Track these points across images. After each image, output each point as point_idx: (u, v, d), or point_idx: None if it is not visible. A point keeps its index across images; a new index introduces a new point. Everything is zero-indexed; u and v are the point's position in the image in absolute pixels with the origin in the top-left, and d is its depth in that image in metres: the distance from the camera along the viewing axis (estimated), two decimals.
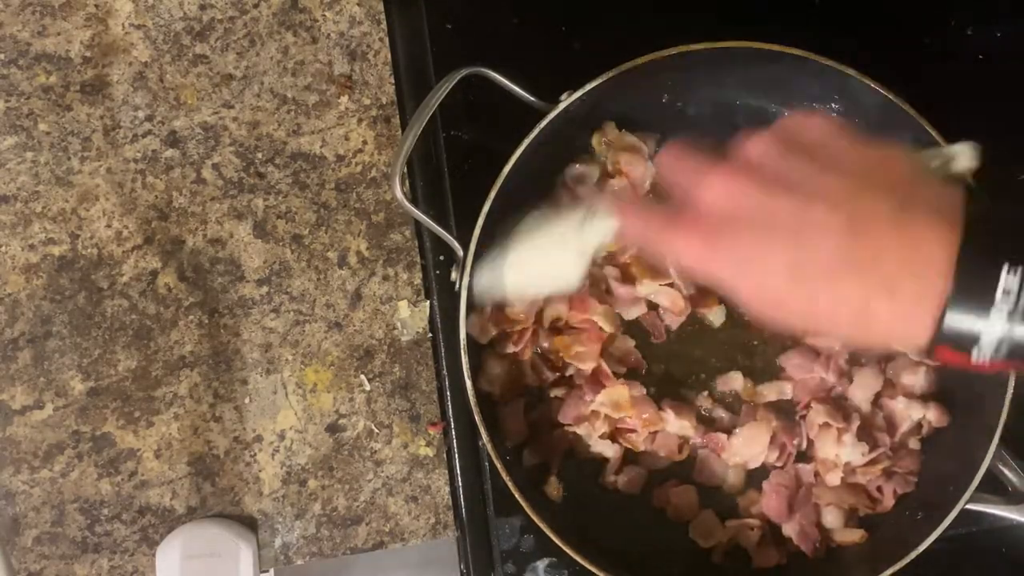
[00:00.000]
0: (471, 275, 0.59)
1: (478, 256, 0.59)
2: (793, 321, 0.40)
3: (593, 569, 0.58)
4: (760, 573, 0.64)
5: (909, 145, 0.48)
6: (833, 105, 0.67)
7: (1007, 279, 0.33)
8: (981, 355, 0.35)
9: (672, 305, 0.65)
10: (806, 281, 0.38)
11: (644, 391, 0.64)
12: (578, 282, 0.55)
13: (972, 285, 0.34)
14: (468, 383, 0.59)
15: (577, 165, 0.66)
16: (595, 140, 0.67)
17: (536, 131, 0.60)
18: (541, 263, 0.56)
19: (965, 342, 0.35)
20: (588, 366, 0.63)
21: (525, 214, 0.58)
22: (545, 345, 0.64)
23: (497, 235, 0.59)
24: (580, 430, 0.64)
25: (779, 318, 0.40)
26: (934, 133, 0.61)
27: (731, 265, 0.40)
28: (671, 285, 0.65)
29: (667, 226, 0.42)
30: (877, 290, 0.36)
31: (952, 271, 0.35)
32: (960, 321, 0.35)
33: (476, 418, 0.59)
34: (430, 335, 0.68)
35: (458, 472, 0.66)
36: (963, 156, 0.43)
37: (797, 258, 0.37)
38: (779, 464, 0.65)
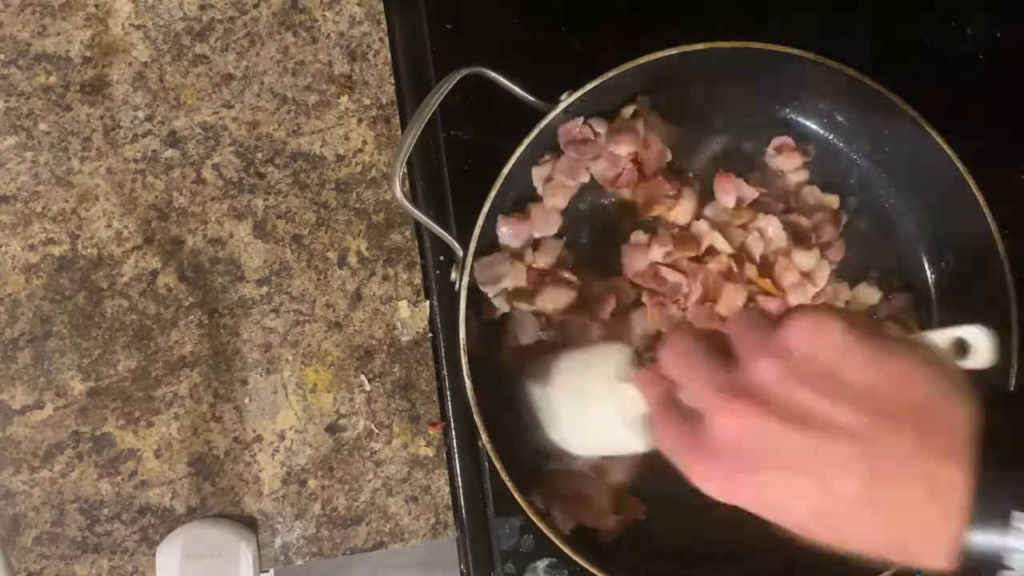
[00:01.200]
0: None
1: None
2: (826, 542, 0.40)
3: (593, 569, 0.58)
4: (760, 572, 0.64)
5: (917, 330, 0.46)
6: (831, 106, 0.67)
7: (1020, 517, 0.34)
8: None
9: None
10: (829, 522, 0.38)
11: None
12: (644, 447, 0.51)
13: (990, 518, 0.35)
14: (468, 383, 0.59)
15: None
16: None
17: (536, 131, 0.60)
18: (598, 436, 0.54)
19: (991, 568, 0.36)
20: None
21: (552, 373, 0.57)
22: None
23: (537, 391, 0.58)
24: None
25: (814, 538, 0.40)
26: (934, 133, 0.61)
27: (753, 499, 0.39)
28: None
29: (690, 452, 0.41)
30: (900, 525, 0.37)
31: (968, 503, 0.35)
32: (983, 552, 0.35)
33: (476, 418, 0.59)
34: (430, 335, 0.68)
35: (458, 472, 0.66)
36: (978, 348, 0.40)
37: (820, 502, 0.37)
38: None
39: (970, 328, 0.40)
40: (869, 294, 0.67)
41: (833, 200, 0.68)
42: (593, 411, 0.53)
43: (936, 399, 0.37)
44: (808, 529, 0.39)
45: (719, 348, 0.42)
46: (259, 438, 0.66)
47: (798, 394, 0.38)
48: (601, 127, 0.65)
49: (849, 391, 0.38)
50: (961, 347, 0.41)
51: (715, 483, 0.40)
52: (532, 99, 0.61)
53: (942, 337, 0.41)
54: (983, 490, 0.35)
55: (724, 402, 0.39)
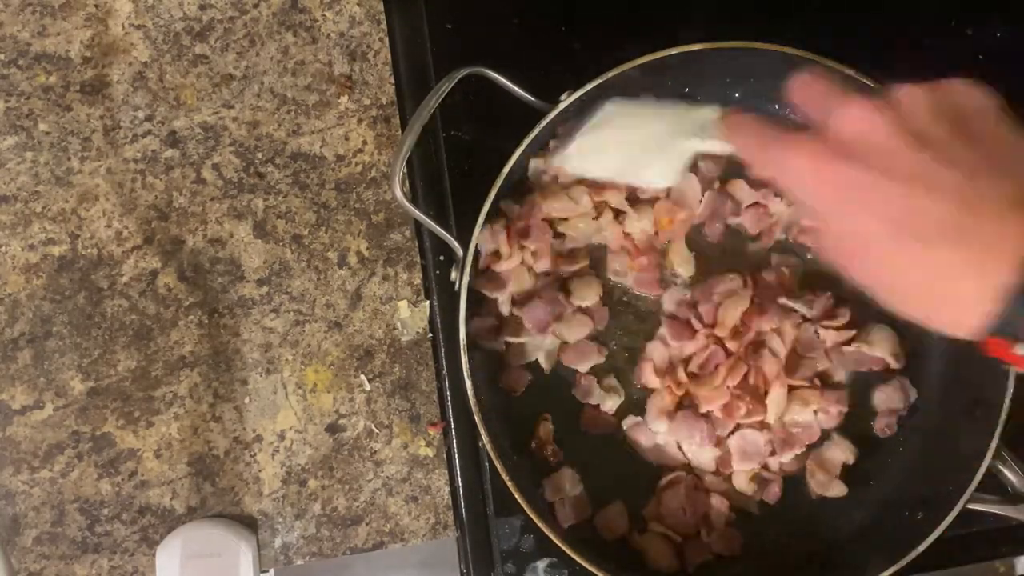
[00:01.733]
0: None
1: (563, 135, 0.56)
2: (862, 276, 0.39)
3: (593, 569, 0.58)
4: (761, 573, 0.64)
5: None
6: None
7: None
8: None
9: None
10: (903, 238, 0.37)
11: None
12: (673, 182, 0.52)
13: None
14: (468, 383, 0.59)
15: None
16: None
17: (536, 131, 0.60)
18: (637, 155, 0.53)
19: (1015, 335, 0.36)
20: None
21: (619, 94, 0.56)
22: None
23: (584, 110, 0.57)
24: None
25: (851, 268, 0.39)
26: None
27: (834, 196, 0.39)
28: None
29: (783, 141, 0.41)
30: (963, 268, 0.36)
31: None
32: (1018, 318, 0.35)
33: (476, 418, 0.59)
34: (430, 335, 0.68)
35: (458, 472, 0.66)
36: None
37: (905, 212, 0.37)
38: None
39: None
40: None
41: None
42: (652, 130, 0.52)
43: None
44: (870, 243, 0.38)
45: None
46: (259, 438, 0.66)
47: (930, 120, 0.38)
48: None
49: (976, 140, 0.38)
50: None
51: (808, 159, 0.39)
52: (532, 99, 0.61)
53: None
54: None
55: (859, 101, 0.39)
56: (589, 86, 0.60)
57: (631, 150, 0.53)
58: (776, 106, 0.68)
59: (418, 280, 0.68)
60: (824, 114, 0.41)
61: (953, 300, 0.37)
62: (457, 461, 0.66)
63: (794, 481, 0.66)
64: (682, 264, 0.66)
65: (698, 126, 0.49)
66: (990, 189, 0.37)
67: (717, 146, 0.48)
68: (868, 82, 0.61)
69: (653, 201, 0.65)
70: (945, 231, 0.36)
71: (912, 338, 0.65)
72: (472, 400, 0.59)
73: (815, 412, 0.65)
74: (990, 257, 0.36)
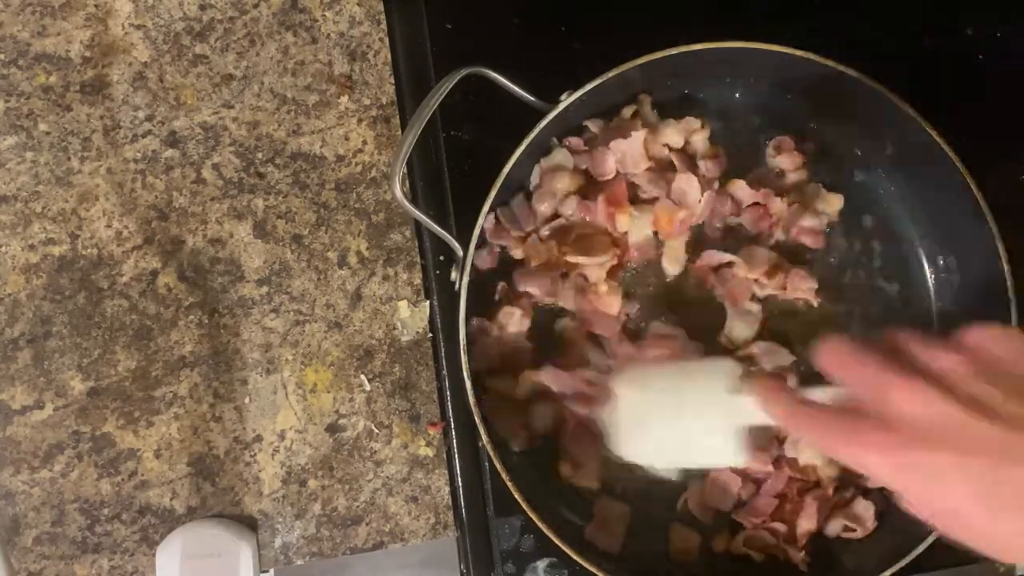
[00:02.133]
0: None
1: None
2: (966, 540, 0.40)
3: (593, 569, 0.58)
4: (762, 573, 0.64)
5: None
6: (832, 106, 0.67)
7: None
8: None
9: None
10: (998, 510, 0.38)
11: None
12: (742, 461, 0.51)
13: None
14: (468, 383, 0.59)
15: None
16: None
17: (536, 131, 0.60)
18: (699, 442, 0.52)
19: None
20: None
21: (653, 380, 0.55)
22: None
23: (629, 399, 0.56)
24: None
25: (953, 534, 0.40)
26: (934, 133, 0.61)
27: (922, 480, 0.39)
28: None
29: (848, 434, 0.41)
30: None
31: None
32: None
33: (476, 418, 0.59)
34: (430, 335, 0.68)
35: (458, 472, 0.66)
36: None
37: (994, 487, 0.37)
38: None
39: None
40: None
41: (837, 200, 0.68)
42: (691, 421, 0.51)
43: None
44: (968, 517, 0.39)
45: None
46: (259, 438, 0.66)
47: (979, 382, 0.38)
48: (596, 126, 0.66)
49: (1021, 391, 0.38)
50: None
51: (883, 455, 0.39)
52: (532, 99, 0.61)
53: None
54: None
55: (906, 380, 0.39)
56: (589, 86, 0.60)
57: (683, 443, 0.53)
58: (775, 107, 0.69)
59: (418, 280, 0.68)
60: (864, 387, 0.41)
61: None
62: (457, 461, 0.66)
63: None
64: (672, 263, 0.66)
65: (730, 397, 0.49)
66: None
67: (767, 419, 0.47)
68: (868, 82, 0.61)
69: (653, 201, 0.66)
70: None
71: None
72: (472, 400, 0.59)
73: None
74: None
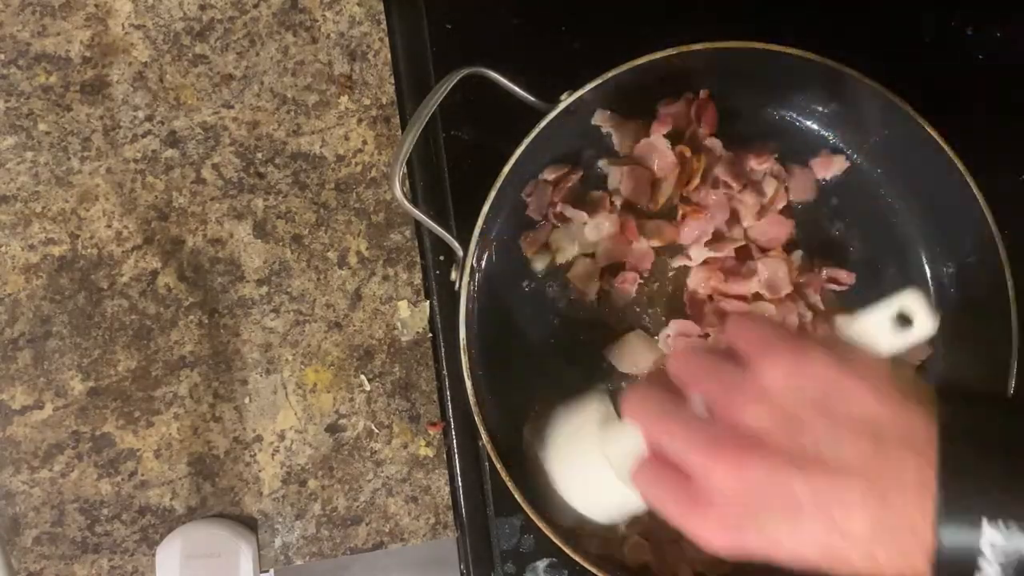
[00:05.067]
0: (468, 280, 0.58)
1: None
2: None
3: (593, 569, 0.58)
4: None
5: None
6: (832, 106, 0.67)
7: (989, 533, 0.34)
8: None
9: None
10: (843, 557, 0.37)
11: None
12: (628, 511, 0.50)
13: (959, 538, 0.35)
14: (468, 383, 0.59)
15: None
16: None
17: (536, 131, 0.60)
18: (602, 503, 0.52)
19: None
20: None
21: (546, 439, 0.55)
22: None
23: (535, 446, 0.57)
24: None
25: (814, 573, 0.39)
26: (934, 133, 0.61)
27: (760, 547, 0.38)
28: None
29: (686, 508, 0.39)
30: (904, 547, 0.36)
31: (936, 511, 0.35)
32: (957, 569, 0.35)
33: (476, 418, 0.59)
34: (430, 335, 0.68)
35: (458, 472, 0.66)
36: (917, 315, 0.39)
37: (830, 539, 0.36)
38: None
39: (904, 296, 0.40)
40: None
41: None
42: (592, 473, 0.50)
43: (914, 412, 0.37)
44: (816, 564, 0.37)
45: (679, 396, 0.41)
46: (259, 438, 0.66)
47: (790, 431, 0.37)
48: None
49: (843, 421, 0.37)
50: (902, 319, 0.40)
51: (720, 538, 0.38)
52: (532, 99, 0.61)
53: (882, 313, 0.40)
54: (952, 499, 0.35)
55: (718, 454, 0.37)
56: (589, 86, 0.60)
57: (593, 505, 0.53)
58: (778, 105, 0.69)
59: (418, 280, 0.68)
60: (684, 460, 0.39)
61: (900, 566, 0.36)
62: (457, 461, 0.66)
63: None
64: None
65: (602, 433, 0.49)
66: (894, 468, 0.36)
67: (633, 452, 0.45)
68: (868, 82, 0.61)
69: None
70: (878, 530, 0.36)
71: None
72: (472, 400, 0.59)
73: None
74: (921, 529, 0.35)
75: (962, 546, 0.34)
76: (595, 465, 0.49)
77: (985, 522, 0.34)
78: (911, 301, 0.40)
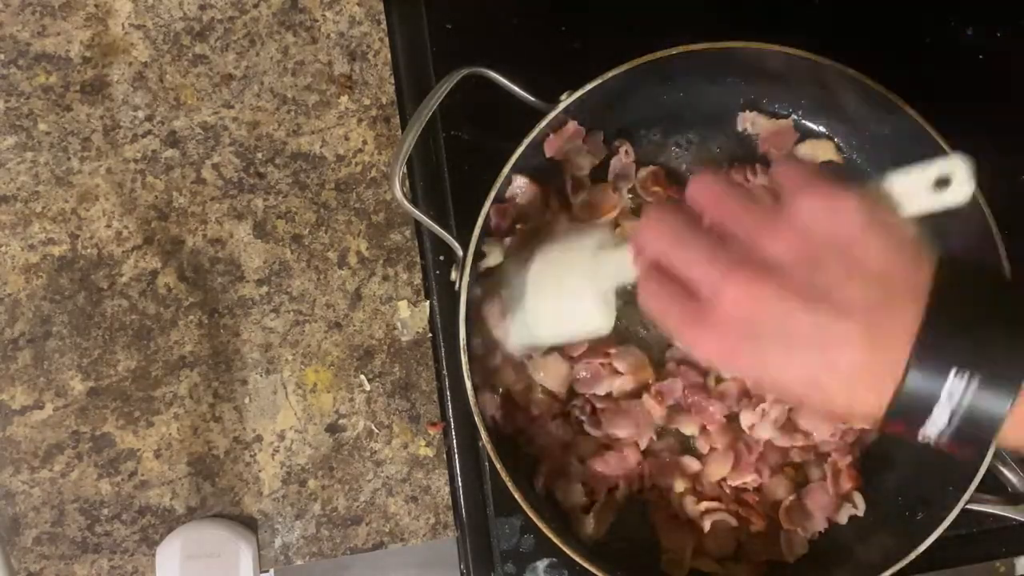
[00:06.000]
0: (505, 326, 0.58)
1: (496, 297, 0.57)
2: (808, 410, 0.41)
3: (593, 569, 0.58)
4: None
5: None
6: (831, 107, 0.67)
7: (953, 382, 0.37)
8: (925, 437, 0.39)
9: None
10: (823, 388, 0.39)
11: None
12: (609, 326, 0.52)
13: (925, 381, 0.37)
14: (468, 383, 0.59)
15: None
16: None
17: (536, 131, 0.60)
18: (565, 310, 0.53)
19: (914, 423, 0.38)
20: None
21: (533, 255, 0.56)
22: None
23: (512, 279, 0.57)
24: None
25: (788, 399, 0.41)
26: (934, 133, 0.61)
27: (749, 367, 0.40)
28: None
29: (688, 320, 0.41)
30: (886, 390, 0.38)
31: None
32: (912, 408, 0.38)
33: (476, 418, 0.59)
34: (430, 335, 0.68)
35: (458, 472, 0.66)
36: (957, 178, 0.40)
37: (817, 372, 0.39)
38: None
39: (949, 160, 0.40)
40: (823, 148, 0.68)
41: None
42: (568, 283, 0.52)
43: (923, 273, 0.39)
44: (796, 394, 0.40)
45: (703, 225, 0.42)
46: (259, 438, 0.66)
47: (810, 271, 0.38)
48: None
49: (859, 268, 0.38)
50: (942, 182, 0.41)
51: (716, 352, 0.40)
52: (532, 99, 0.61)
53: (924, 173, 0.41)
54: (929, 344, 0.37)
55: (733, 273, 0.39)
56: (589, 86, 0.60)
57: (553, 314, 0.54)
58: (777, 106, 0.69)
59: (418, 280, 0.68)
60: (694, 276, 0.41)
61: (862, 402, 0.39)
62: (457, 461, 0.66)
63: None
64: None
65: (598, 259, 0.50)
66: (895, 320, 0.38)
67: (624, 272, 0.48)
68: (868, 82, 0.61)
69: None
70: (862, 373, 0.38)
71: None
72: (472, 400, 0.59)
73: None
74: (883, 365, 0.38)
75: (923, 391, 0.37)
76: (577, 278, 0.51)
77: (952, 372, 0.36)
78: (955, 165, 0.40)
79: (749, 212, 0.41)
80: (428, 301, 0.68)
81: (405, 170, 0.64)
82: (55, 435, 0.64)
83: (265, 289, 0.67)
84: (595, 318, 0.51)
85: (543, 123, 0.60)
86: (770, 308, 0.38)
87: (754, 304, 0.39)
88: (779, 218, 0.40)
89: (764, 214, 0.40)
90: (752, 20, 0.67)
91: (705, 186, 0.43)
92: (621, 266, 0.48)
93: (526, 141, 0.60)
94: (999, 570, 0.69)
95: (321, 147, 0.68)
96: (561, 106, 0.60)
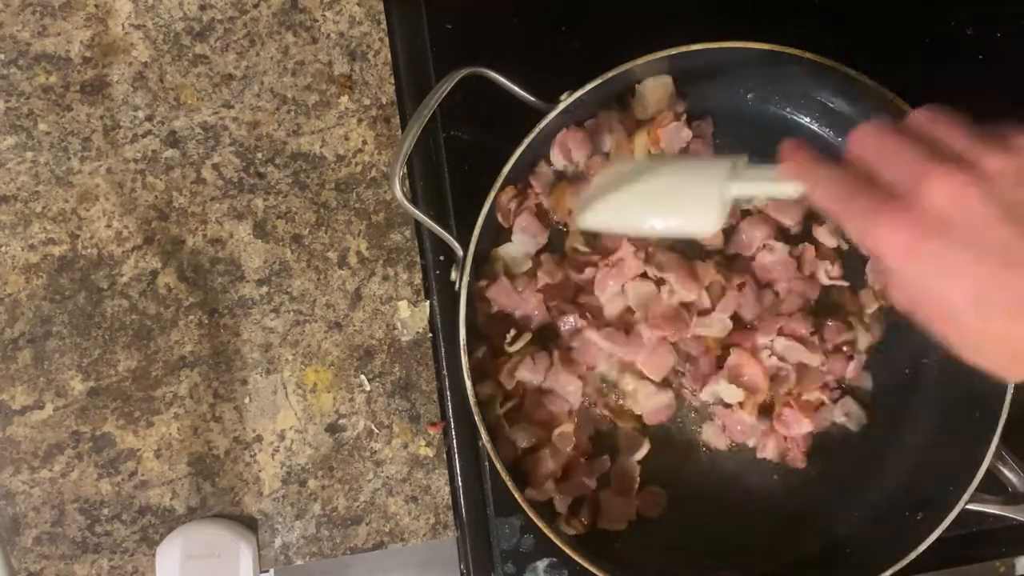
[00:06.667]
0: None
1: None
2: (945, 335, 0.39)
3: (593, 569, 0.58)
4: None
5: None
6: (832, 106, 0.67)
7: None
8: None
9: None
10: (988, 314, 0.37)
11: None
12: (716, 228, 0.49)
13: None
14: (468, 383, 0.59)
15: None
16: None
17: (536, 131, 0.60)
18: (680, 202, 0.50)
19: None
20: None
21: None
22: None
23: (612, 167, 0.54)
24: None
25: (934, 326, 0.39)
26: None
27: (927, 270, 0.38)
28: None
29: (874, 210, 0.39)
30: None
31: None
32: None
33: (476, 418, 0.59)
34: (430, 335, 0.68)
35: (458, 472, 0.66)
36: None
37: (995, 290, 0.37)
38: None
39: None
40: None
41: None
42: (690, 179, 0.49)
43: None
44: (948, 316, 0.38)
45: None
46: (259, 438, 0.66)
47: (1014, 194, 0.37)
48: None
49: None
50: None
51: (900, 243, 0.38)
52: (532, 99, 0.61)
53: None
54: None
55: (946, 173, 0.38)
56: (589, 86, 0.60)
57: (657, 199, 0.51)
58: (777, 104, 0.69)
59: (418, 280, 0.68)
60: (899, 171, 0.39)
61: None
62: (457, 461, 0.66)
63: (796, 476, 0.66)
64: None
65: (730, 169, 0.47)
66: None
67: (778, 189, 0.45)
68: (868, 81, 0.61)
69: None
70: None
71: (913, 340, 0.66)
72: (472, 400, 0.59)
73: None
74: None
75: None
76: (704, 177, 0.48)
77: None
78: None
79: (961, 140, 0.40)
80: (428, 301, 0.68)
81: (405, 170, 0.64)
82: (55, 435, 0.64)
83: (265, 289, 0.67)
84: (710, 216, 0.48)
85: (543, 123, 0.60)
86: (971, 210, 0.37)
87: (958, 201, 0.37)
88: (993, 145, 0.39)
89: (978, 142, 0.39)
90: (752, 20, 0.67)
91: (877, 134, 0.42)
92: (755, 181, 0.47)
93: (526, 141, 0.60)
94: (999, 570, 0.69)
95: (321, 147, 0.68)
96: (561, 106, 0.60)
